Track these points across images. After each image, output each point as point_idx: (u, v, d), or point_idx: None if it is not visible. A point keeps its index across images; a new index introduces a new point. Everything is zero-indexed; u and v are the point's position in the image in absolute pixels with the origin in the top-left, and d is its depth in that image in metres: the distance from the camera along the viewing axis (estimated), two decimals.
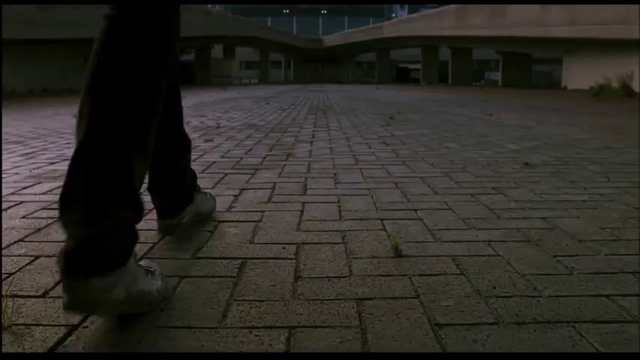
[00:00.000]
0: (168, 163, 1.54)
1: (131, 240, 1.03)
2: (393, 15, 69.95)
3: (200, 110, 7.39)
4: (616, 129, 4.94)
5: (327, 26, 75.05)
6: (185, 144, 1.63)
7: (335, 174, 2.53)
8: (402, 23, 39.80)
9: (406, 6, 74.70)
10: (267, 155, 3.15)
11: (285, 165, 2.77)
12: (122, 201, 1.01)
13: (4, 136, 4.08)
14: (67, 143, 3.73)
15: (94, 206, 0.97)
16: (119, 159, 1.01)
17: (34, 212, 1.79)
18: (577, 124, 5.49)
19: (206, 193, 1.76)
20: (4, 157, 2.99)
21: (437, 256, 1.35)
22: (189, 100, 10.14)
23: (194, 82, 31.77)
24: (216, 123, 5.31)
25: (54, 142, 3.79)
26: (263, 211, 1.81)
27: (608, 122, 5.75)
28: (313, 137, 4.09)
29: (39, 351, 0.88)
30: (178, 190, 1.60)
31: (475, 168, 2.70)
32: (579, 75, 18.02)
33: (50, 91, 15.46)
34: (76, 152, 0.99)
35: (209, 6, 48.13)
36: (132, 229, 1.04)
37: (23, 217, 1.72)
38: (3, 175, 2.42)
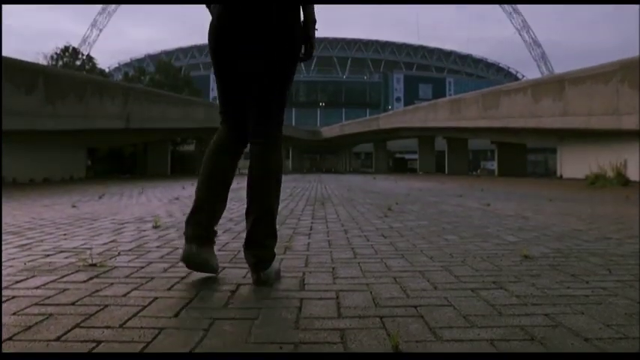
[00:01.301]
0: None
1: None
2: (390, 107, 71.97)
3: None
4: (614, 219, 4.94)
5: (325, 117, 77.01)
6: None
7: (333, 268, 2.50)
8: (398, 115, 40.84)
9: (402, 99, 77.05)
10: None
11: (282, 259, 2.74)
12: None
13: None
14: (64, 234, 3.72)
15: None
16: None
17: (25, 308, 1.75)
18: (574, 213, 5.50)
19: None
20: None
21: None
22: (189, 190, 10.21)
23: (194, 172, 32.12)
24: None
25: (51, 234, 3.77)
26: (260, 308, 1.77)
27: (606, 211, 5.77)
28: (311, 229, 4.08)
29: None
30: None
31: (474, 261, 2.68)
32: (574, 163, 18.27)
33: (51, 181, 15.59)
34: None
35: (211, 99, 49.39)
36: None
37: (14, 314, 1.68)
38: None
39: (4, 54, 13.00)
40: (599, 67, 14.64)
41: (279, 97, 2.24)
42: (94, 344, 1.39)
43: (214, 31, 2.22)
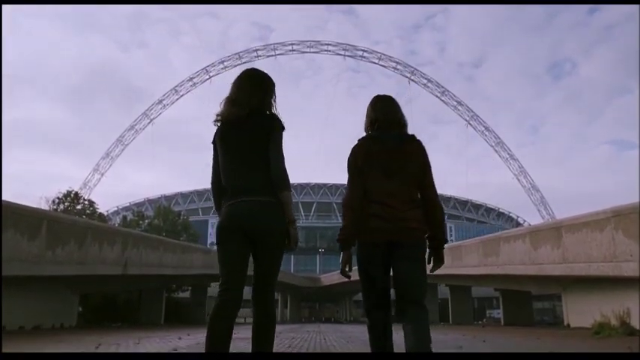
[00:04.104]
0: None
1: None
2: None
3: (196, 350, 7.17)
4: None
5: (325, 263, 76.60)
6: None
7: None
8: None
9: None
10: None
11: None
12: None
13: None
14: None
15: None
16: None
17: None
18: None
19: None
20: None
21: None
22: (185, 341, 9.93)
23: (188, 321, 31.21)
24: None
25: None
26: None
27: None
28: None
29: None
30: None
31: None
32: (580, 311, 17.80)
33: (41, 329, 15.17)
34: None
35: (208, 244, 49.47)
36: None
37: None
38: None
39: (7, 199, 13.18)
40: (592, 215, 14.77)
41: (269, 274, 3.00)
42: None
43: (219, 229, 2.93)
